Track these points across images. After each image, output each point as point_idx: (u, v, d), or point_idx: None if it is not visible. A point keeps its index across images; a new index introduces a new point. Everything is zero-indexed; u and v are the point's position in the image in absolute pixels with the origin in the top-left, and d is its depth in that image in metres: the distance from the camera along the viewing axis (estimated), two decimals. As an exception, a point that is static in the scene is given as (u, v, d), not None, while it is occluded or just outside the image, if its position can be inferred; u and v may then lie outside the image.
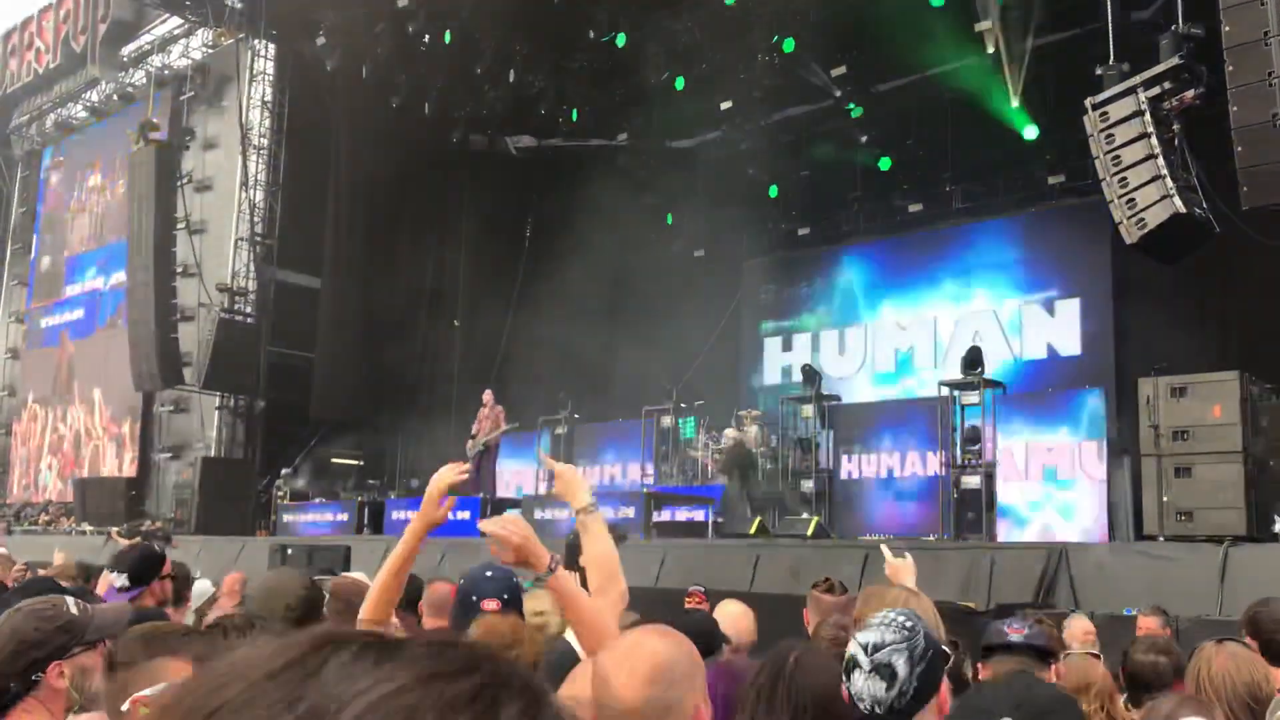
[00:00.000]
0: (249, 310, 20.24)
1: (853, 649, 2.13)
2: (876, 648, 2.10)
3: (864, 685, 2.08)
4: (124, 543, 12.21)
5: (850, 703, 2.12)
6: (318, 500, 18.63)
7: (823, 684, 2.24)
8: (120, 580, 4.41)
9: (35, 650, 2.53)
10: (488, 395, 16.84)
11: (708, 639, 3.49)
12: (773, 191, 19.57)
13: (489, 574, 3.37)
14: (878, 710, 2.08)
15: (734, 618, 4.43)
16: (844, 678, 2.11)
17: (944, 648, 2.27)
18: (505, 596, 3.23)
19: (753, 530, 12.61)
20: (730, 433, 14.80)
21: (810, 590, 4.35)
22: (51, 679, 2.53)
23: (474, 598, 3.28)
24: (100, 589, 4.68)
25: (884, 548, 3.85)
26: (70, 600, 2.74)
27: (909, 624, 2.15)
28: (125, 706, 2.35)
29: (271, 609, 3.14)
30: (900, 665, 2.08)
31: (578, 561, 2.75)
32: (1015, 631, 2.87)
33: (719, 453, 15.56)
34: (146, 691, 2.35)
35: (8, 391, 28.12)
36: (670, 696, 1.75)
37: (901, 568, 3.71)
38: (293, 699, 0.60)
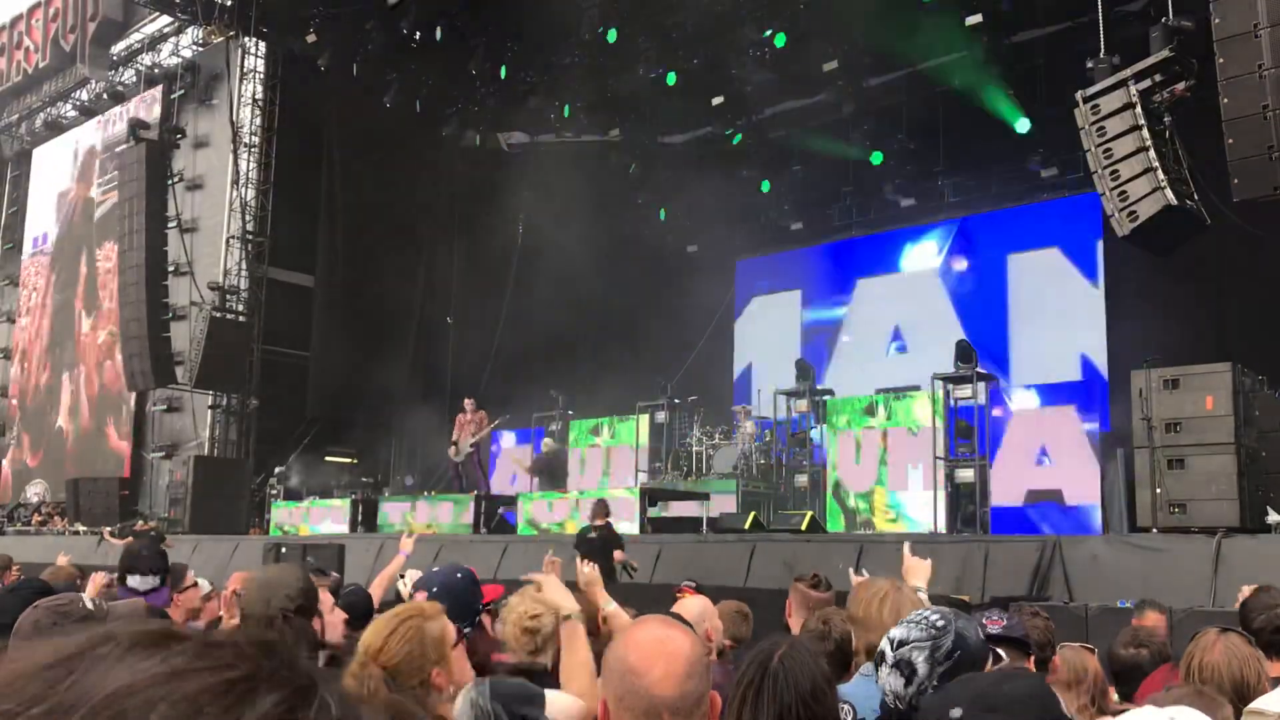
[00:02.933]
0: (241, 309, 20.20)
1: (883, 643, 2.15)
2: (901, 643, 2.12)
3: (887, 679, 2.11)
4: (116, 542, 12.20)
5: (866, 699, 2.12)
6: (311, 498, 18.58)
7: (809, 680, 2.23)
8: (151, 581, 4.43)
9: None
10: (469, 403, 16.87)
11: None
12: (765, 186, 19.57)
13: (434, 568, 3.43)
14: (899, 705, 2.09)
15: (695, 618, 3.59)
16: (874, 669, 2.14)
17: (989, 650, 2.26)
18: (434, 590, 3.24)
19: (747, 525, 12.63)
20: (548, 442, 16.89)
21: (795, 584, 4.27)
22: None
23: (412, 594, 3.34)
24: (90, 591, 4.67)
25: (906, 545, 3.85)
26: (85, 597, 2.79)
27: (940, 623, 2.17)
28: None
29: (269, 600, 3.14)
30: (920, 663, 2.10)
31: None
32: (993, 624, 2.88)
33: (713, 448, 15.74)
34: None
35: (0, 391, 28.05)
36: (701, 689, 1.80)
37: (915, 567, 3.70)
38: (43, 695, 0.59)
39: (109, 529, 16.97)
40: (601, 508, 11.07)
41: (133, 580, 4.51)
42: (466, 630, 3.10)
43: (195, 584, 5.12)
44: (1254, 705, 2.65)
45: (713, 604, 4.14)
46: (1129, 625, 4.76)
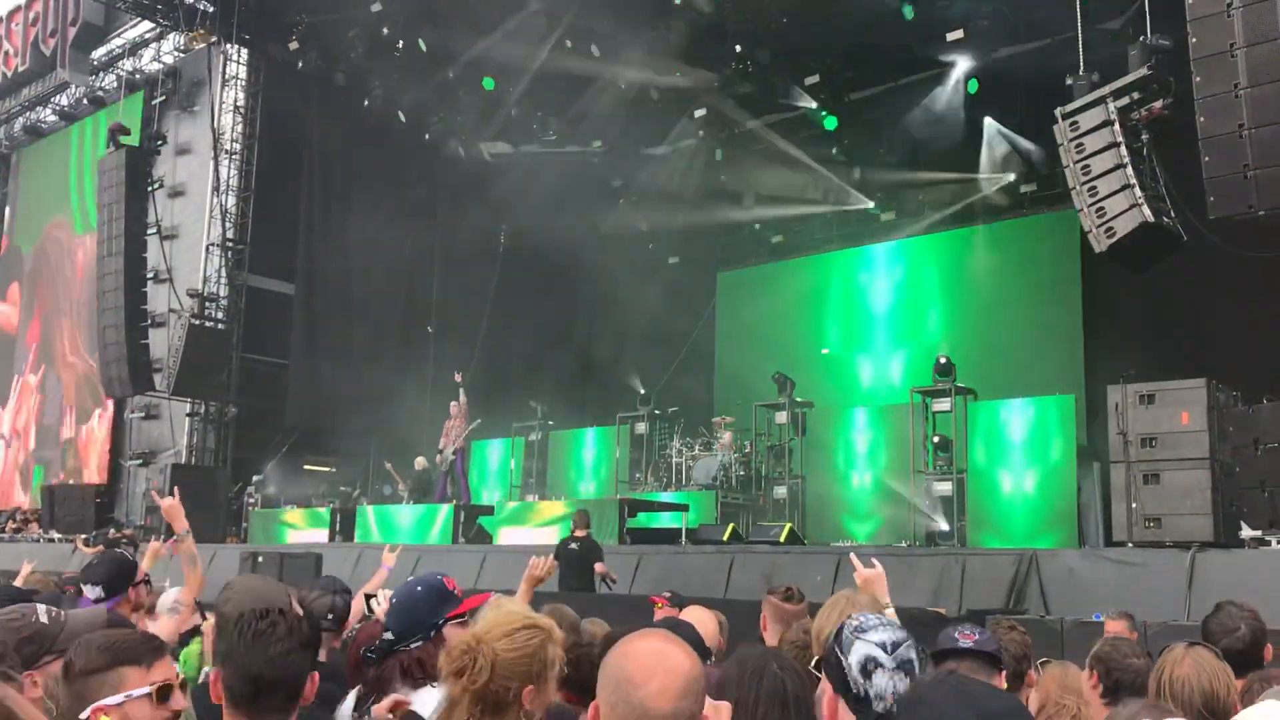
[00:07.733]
0: (220, 316, 20.09)
1: (870, 650, 2.13)
2: (895, 645, 2.12)
3: (888, 683, 2.09)
4: (89, 551, 12.10)
5: (862, 702, 2.10)
6: (289, 507, 18.48)
7: (798, 690, 2.25)
8: (94, 592, 4.38)
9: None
10: (454, 406, 16.85)
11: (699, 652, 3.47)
12: (747, 199, 19.64)
13: (418, 588, 3.28)
14: (895, 708, 2.10)
15: (702, 624, 4.07)
16: (861, 679, 2.11)
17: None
18: (393, 600, 3.25)
19: (726, 536, 12.64)
20: (420, 460, 17.31)
21: (768, 597, 4.27)
22: (24, 689, 2.48)
23: None
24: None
25: (853, 557, 3.81)
26: (41, 608, 2.69)
27: (895, 620, 2.19)
28: (85, 715, 2.28)
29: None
30: (916, 660, 2.11)
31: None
32: (966, 637, 2.90)
33: (692, 459, 15.77)
34: (108, 700, 2.28)
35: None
36: (695, 709, 1.80)
37: (871, 577, 3.68)
38: None
39: (83, 537, 16.84)
40: (583, 518, 11.03)
41: (87, 590, 4.49)
42: (415, 644, 3.02)
43: (146, 581, 5.03)
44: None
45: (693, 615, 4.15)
46: (1105, 635, 4.78)
